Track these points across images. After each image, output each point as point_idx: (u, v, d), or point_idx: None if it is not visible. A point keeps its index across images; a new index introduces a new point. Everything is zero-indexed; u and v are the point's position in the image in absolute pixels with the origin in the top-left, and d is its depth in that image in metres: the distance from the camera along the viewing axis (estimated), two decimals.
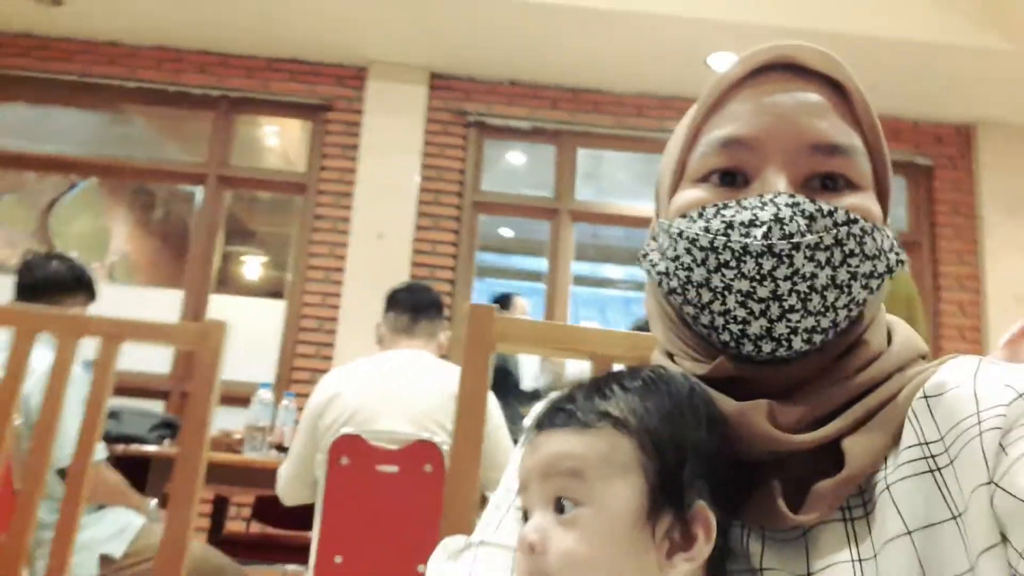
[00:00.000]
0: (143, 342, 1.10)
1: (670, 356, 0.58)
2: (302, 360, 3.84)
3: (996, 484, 0.43)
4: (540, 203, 4.27)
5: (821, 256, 0.50)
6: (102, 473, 1.94)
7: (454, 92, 4.11)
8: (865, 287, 0.51)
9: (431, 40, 3.87)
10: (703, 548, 0.46)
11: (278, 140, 4.93)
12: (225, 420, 2.94)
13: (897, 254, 0.54)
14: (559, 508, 0.47)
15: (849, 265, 0.50)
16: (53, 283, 1.96)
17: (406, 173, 3.99)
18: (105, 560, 1.95)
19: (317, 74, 4.10)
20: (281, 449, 2.68)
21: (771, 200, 0.51)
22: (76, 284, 2.03)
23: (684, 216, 0.54)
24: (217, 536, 2.95)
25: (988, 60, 3.60)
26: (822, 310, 0.50)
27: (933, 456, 0.47)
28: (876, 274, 0.52)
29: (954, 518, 0.45)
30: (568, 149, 4.24)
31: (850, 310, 0.51)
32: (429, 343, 2.14)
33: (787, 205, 0.50)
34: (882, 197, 0.56)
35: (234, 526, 3.37)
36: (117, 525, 2.00)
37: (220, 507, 3.06)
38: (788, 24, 3.23)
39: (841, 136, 0.53)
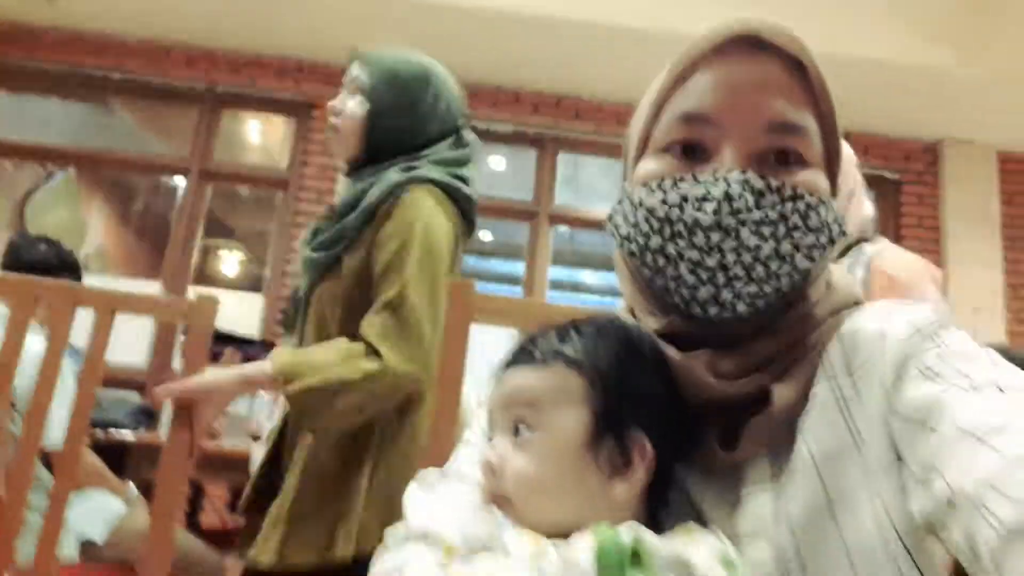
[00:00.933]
0: (137, 313, 1.15)
1: (631, 311, 0.63)
2: None
3: (891, 410, 0.49)
4: (520, 206, 4.34)
5: (766, 230, 0.54)
6: (83, 456, 1.96)
7: None
8: (808, 257, 0.55)
9: (418, 43, 3.92)
10: (639, 473, 0.53)
11: (261, 137, 4.96)
12: None
13: (840, 226, 0.57)
14: (516, 432, 0.54)
15: (792, 237, 0.54)
16: (40, 265, 1.99)
17: None
18: (86, 546, 1.96)
19: (303, 71, 4.15)
20: (257, 439, 2.72)
21: (723, 177, 0.54)
22: (62, 266, 2.06)
23: (645, 185, 0.58)
24: (193, 526, 2.97)
25: (953, 81, 3.75)
26: (765, 278, 0.54)
27: (840, 389, 0.53)
28: (818, 245, 0.56)
29: (857, 446, 0.51)
30: (549, 154, 4.32)
31: (792, 277, 0.55)
32: None
33: (737, 182, 0.54)
34: (831, 173, 0.59)
35: (208, 519, 3.39)
36: (98, 509, 2.02)
37: (195, 497, 3.08)
38: None
39: (795, 115, 0.57)
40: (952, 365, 0.49)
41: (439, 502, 0.61)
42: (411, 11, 3.65)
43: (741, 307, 0.55)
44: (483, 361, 0.94)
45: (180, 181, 4.30)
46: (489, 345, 0.95)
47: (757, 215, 0.53)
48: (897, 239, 4.25)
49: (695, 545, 0.49)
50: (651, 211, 0.57)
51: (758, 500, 0.54)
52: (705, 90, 0.57)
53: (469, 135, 1.38)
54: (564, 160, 4.38)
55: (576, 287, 7.27)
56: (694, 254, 0.54)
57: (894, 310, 0.55)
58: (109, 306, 1.13)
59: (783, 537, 0.51)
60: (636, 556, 0.47)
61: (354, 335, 1.12)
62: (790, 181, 0.55)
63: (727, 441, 0.55)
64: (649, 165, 0.59)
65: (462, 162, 1.31)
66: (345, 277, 1.20)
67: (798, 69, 0.58)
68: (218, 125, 4.24)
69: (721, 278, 0.54)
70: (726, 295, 0.55)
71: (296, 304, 1.34)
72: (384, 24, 3.77)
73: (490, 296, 0.93)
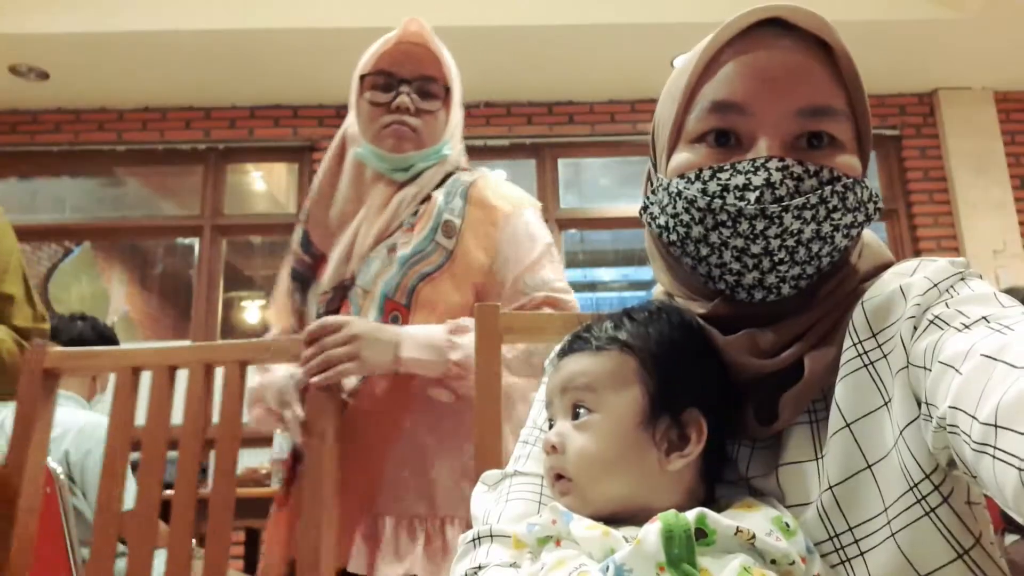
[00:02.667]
0: (259, 361, 1.20)
1: (670, 296, 0.65)
2: None
3: (908, 362, 0.51)
4: None
5: (808, 214, 0.55)
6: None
7: None
8: (847, 236, 0.57)
9: None
10: (695, 447, 0.56)
11: (266, 184, 5.05)
12: (249, 459, 3.04)
13: (875, 203, 0.59)
14: (575, 416, 0.58)
15: (832, 219, 0.56)
16: (78, 341, 2.06)
17: None
18: None
19: (298, 116, 4.23)
20: None
21: (763, 165, 0.55)
22: (100, 339, 2.14)
23: (682, 176, 0.59)
24: (252, 569, 3.03)
25: (940, 30, 3.74)
26: (808, 259, 0.56)
27: (867, 352, 0.54)
28: (856, 224, 0.57)
29: (885, 404, 0.52)
30: (548, 161, 4.36)
31: (832, 257, 0.57)
32: None
33: (777, 169, 0.55)
34: (863, 151, 0.60)
35: None
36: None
37: (253, 540, 3.14)
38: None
39: (825, 98, 0.58)
40: (956, 310, 0.50)
41: (503, 499, 0.64)
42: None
43: (786, 289, 0.57)
44: None
45: (194, 240, 4.39)
46: None
47: (799, 200, 0.55)
48: (905, 195, 4.25)
49: (753, 515, 0.52)
50: (691, 201, 0.58)
51: (802, 470, 0.56)
52: (734, 78, 0.58)
53: None
54: (564, 165, 4.43)
55: (593, 286, 7.28)
56: (739, 242, 0.56)
57: (914, 267, 0.56)
58: (168, 365, 1.17)
59: (827, 501, 0.53)
60: (701, 532, 0.49)
61: None
62: (826, 164, 0.56)
63: (764, 414, 0.57)
64: (685, 155, 0.60)
65: None
66: None
67: (824, 49, 0.59)
68: (224, 180, 4.33)
69: (766, 263, 0.56)
70: (771, 279, 0.56)
71: None
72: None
73: (514, 314, 0.97)
